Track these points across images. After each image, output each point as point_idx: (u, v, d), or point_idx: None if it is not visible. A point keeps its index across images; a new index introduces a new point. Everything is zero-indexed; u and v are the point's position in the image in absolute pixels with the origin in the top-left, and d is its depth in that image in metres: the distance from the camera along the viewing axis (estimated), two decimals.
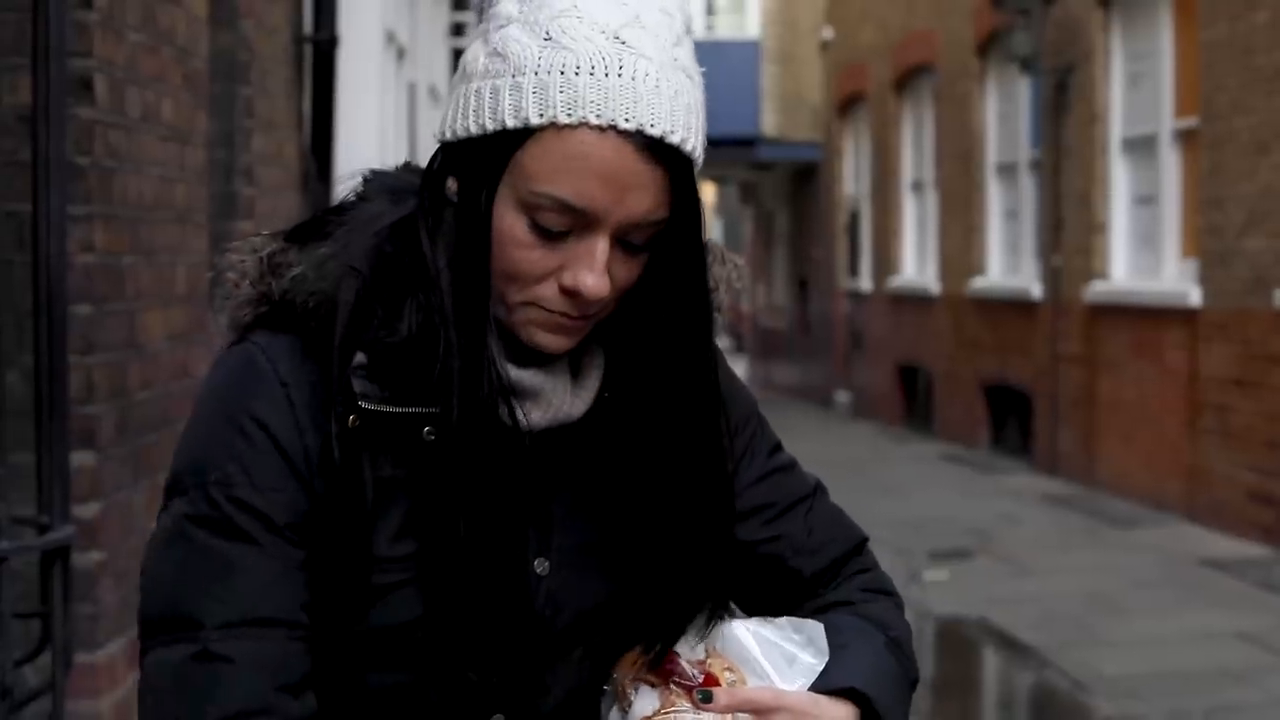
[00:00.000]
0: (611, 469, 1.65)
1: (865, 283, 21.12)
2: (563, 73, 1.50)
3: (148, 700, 1.58)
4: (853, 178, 22.34)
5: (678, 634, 1.67)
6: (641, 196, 1.52)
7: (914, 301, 18.78)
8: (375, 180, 1.71)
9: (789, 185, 26.02)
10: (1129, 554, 10.66)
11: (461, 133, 1.56)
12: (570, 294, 1.54)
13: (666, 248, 1.57)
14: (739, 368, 27.53)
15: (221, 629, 1.53)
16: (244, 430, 1.56)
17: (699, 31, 24.14)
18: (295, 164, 7.00)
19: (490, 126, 1.53)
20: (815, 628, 1.69)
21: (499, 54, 1.54)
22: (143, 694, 1.58)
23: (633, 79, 1.50)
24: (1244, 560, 10.17)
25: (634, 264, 1.56)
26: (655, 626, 1.66)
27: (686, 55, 1.57)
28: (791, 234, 26.39)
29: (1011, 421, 15.82)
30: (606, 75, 1.50)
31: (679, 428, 1.63)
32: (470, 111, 1.55)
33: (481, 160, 1.55)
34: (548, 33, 1.52)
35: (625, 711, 1.65)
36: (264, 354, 1.58)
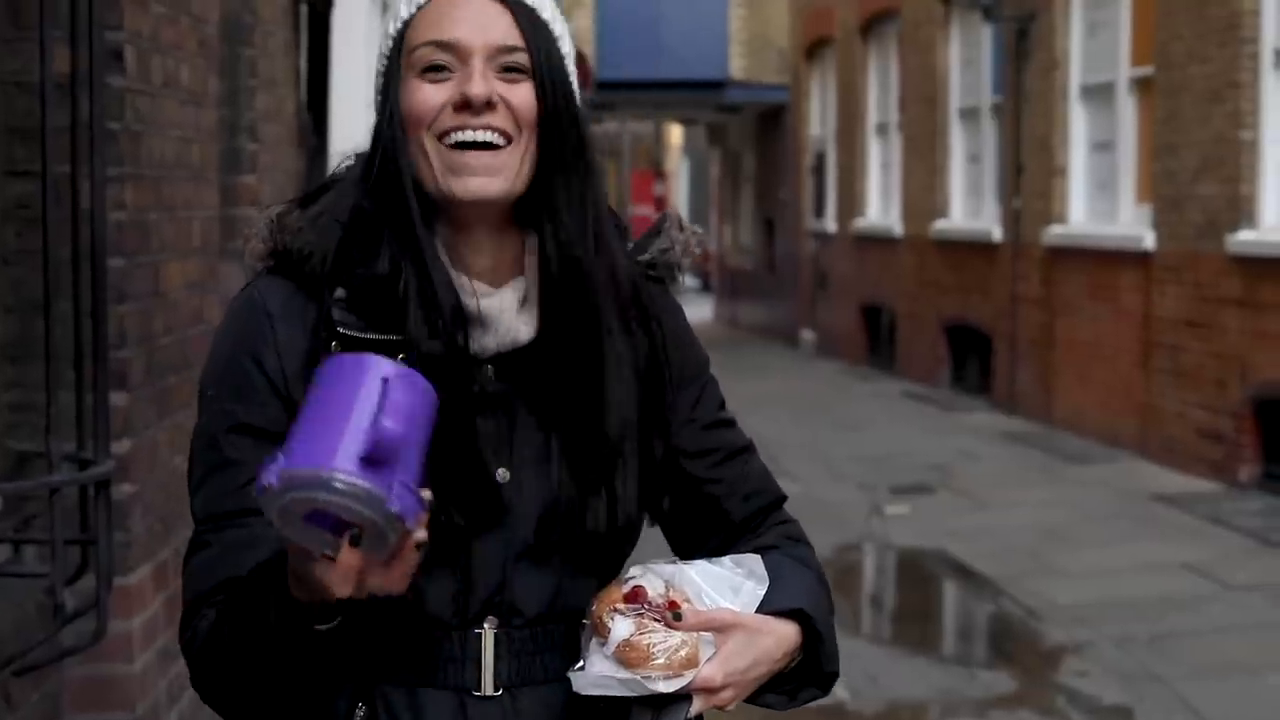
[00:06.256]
0: (555, 385, 1.99)
1: (830, 224, 21.26)
2: None
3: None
4: (819, 120, 22.47)
5: (631, 540, 2.03)
6: (495, 27, 1.91)
7: (878, 242, 18.96)
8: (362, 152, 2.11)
9: (756, 127, 26.12)
10: (1082, 489, 10.95)
11: (381, 66, 1.97)
12: (463, 107, 1.90)
13: (542, 81, 1.95)
14: (706, 307, 27.19)
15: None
16: (242, 366, 1.95)
17: None
18: (293, 119, 7.27)
19: (392, 33, 1.95)
20: (754, 560, 1.99)
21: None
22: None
23: None
24: (1193, 495, 10.45)
25: (519, 89, 1.92)
26: (609, 533, 1.99)
27: None
28: (758, 175, 26.50)
29: (972, 361, 16.05)
30: None
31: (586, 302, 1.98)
32: (381, 51, 1.99)
33: (389, 62, 1.95)
34: None
35: (605, 640, 1.86)
36: (259, 294, 1.95)
